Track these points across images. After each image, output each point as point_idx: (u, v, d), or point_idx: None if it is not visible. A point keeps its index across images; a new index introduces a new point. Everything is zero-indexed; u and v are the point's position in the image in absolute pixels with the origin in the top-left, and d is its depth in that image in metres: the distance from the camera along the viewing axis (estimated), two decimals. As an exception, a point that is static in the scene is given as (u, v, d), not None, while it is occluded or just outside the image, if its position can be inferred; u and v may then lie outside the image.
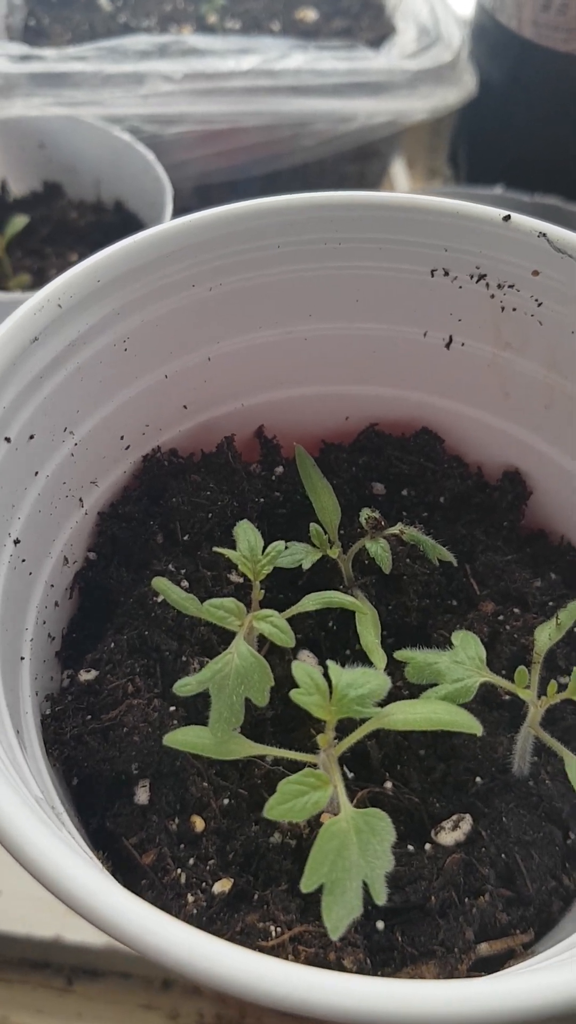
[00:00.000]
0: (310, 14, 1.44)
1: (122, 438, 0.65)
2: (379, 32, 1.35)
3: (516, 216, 0.60)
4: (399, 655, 0.56)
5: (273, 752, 0.52)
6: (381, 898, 0.44)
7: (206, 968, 0.36)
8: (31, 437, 0.56)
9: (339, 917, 0.44)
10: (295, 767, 0.54)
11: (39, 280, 1.10)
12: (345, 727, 0.52)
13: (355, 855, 0.45)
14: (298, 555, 0.61)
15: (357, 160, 1.33)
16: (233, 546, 0.59)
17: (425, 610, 0.66)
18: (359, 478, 0.72)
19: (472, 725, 0.51)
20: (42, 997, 0.85)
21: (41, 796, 0.49)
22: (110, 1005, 0.85)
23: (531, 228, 0.60)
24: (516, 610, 0.65)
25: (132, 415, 0.65)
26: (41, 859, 0.39)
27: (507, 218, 0.60)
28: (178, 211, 1.33)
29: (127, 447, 0.66)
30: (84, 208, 1.23)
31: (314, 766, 0.50)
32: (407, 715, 0.51)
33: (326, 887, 0.44)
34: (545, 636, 0.57)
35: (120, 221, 1.21)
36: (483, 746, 0.61)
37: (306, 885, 0.44)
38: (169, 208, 1.04)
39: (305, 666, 0.49)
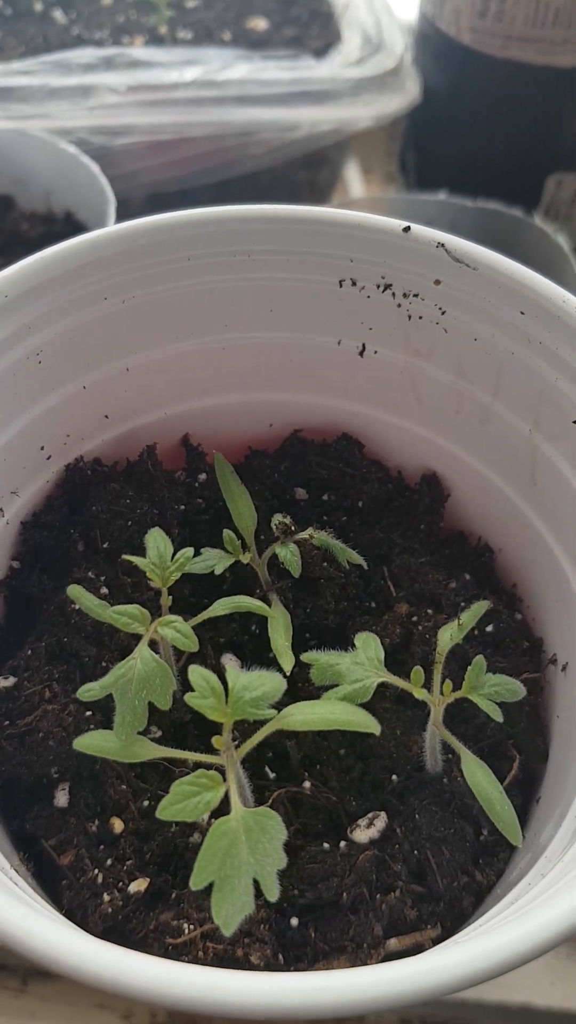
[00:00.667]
0: (260, 23, 1.45)
1: (42, 448, 0.67)
2: (327, 40, 1.37)
3: (416, 227, 0.62)
4: (305, 657, 0.57)
5: (176, 755, 0.54)
6: (273, 895, 0.46)
7: (100, 974, 0.37)
8: (-55, 449, 0.57)
9: (229, 914, 0.45)
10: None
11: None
12: (254, 730, 0.54)
13: (244, 853, 0.46)
14: (211, 561, 0.62)
15: (307, 167, 1.35)
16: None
17: (343, 612, 0.68)
18: (281, 484, 0.74)
19: (369, 724, 0.52)
20: (-3, 999, 0.87)
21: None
22: (64, 1005, 0.86)
23: (430, 239, 0.62)
24: (429, 611, 0.67)
25: (51, 425, 0.66)
26: None
27: (407, 229, 0.62)
28: (128, 220, 1.35)
29: (48, 457, 0.68)
30: (35, 219, 1.24)
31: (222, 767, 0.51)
32: (305, 715, 0.52)
33: (216, 884, 0.46)
34: (447, 636, 0.59)
35: (71, 231, 1.22)
36: (398, 745, 0.63)
37: (195, 882, 0.46)
38: (111, 219, 1.05)
39: (200, 669, 0.51)
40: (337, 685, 0.56)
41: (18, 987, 0.87)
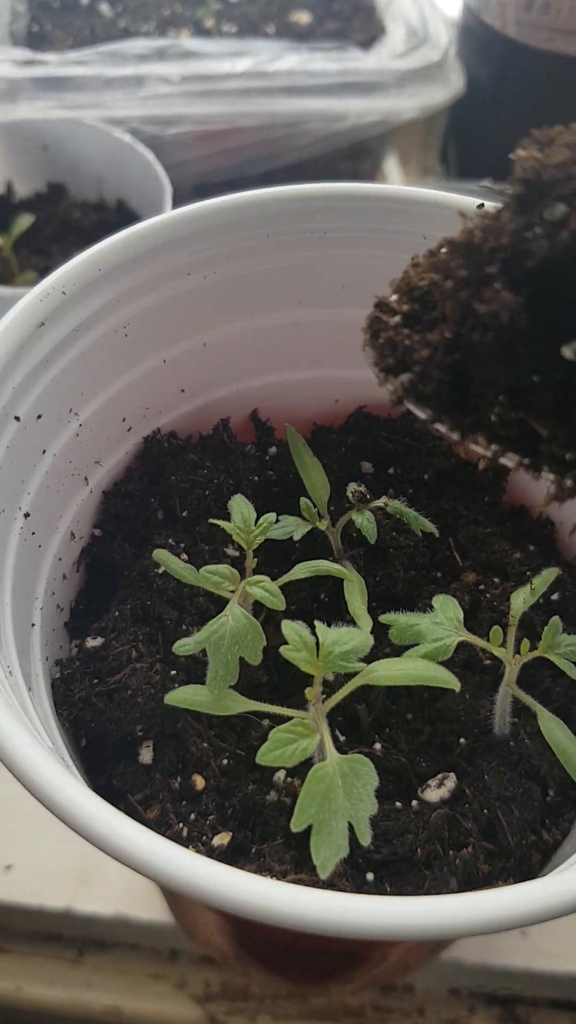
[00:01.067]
0: (303, 17, 1.48)
1: (124, 420, 0.69)
2: (370, 33, 1.39)
3: (490, 205, 0.64)
4: (384, 618, 0.60)
5: (265, 708, 0.56)
6: (366, 839, 0.48)
7: (217, 891, 0.39)
8: (39, 417, 0.60)
9: (327, 856, 0.47)
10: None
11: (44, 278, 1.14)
12: (334, 689, 0.56)
13: (340, 798, 0.49)
14: (289, 527, 0.65)
15: (350, 158, 1.37)
16: (229, 521, 0.63)
17: (411, 581, 0.70)
18: (348, 457, 0.76)
19: (450, 680, 0.54)
20: (54, 968, 0.89)
21: (52, 747, 0.53)
22: (119, 975, 0.89)
23: (505, 217, 0.64)
24: (496, 579, 0.69)
25: (133, 398, 0.69)
26: (59, 796, 0.42)
27: (481, 206, 0.64)
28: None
29: (129, 428, 0.70)
30: (87, 208, 1.27)
31: (305, 722, 0.54)
32: (390, 671, 0.55)
33: (314, 827, 0.48)
34: (520, 600, 0.61)
35: (122, 220, 1.25)
36: (466, 709, 0.65)
37: (296, 824, 0.48)
38: (168, 207, 1.08)
39: (294, 625, 0.53)
40: (416, 645, 0.58)
41: (74, 957, 0.89)
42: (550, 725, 0.57)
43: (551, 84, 1.23)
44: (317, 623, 0.55)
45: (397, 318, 0.44)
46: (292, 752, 0.51)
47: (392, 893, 0.58)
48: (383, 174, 1.53)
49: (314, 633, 0.55)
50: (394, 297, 0.45)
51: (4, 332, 0.57)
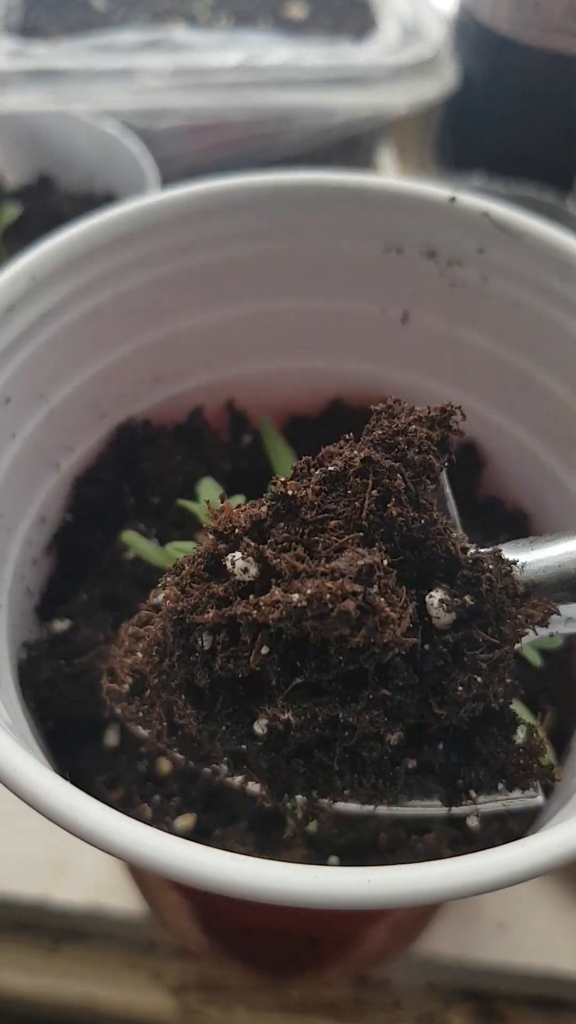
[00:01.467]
0: (298, 10, 1.48)
1: (97, 406, 0.70)
2: (364, 28, 1.39)
3: (461, 196, 0.64)
4: None
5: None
6: None
7: (174, 863, 0.38)
8: (7, 400, 0.60)
9: None
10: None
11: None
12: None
13: None
14: (257, 511, 0.65)
15: (343, 153, 1.37)
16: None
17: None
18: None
19: None
20: (30, 957, 0.89)
21: (11, 724, 0.53)
22: (95, 966, 0.89)
23: (475, 208, 0.64)
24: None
25: (106, 384, 0.69)
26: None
27: (452, 199, 0.64)
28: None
29: (102, 415, 0.70)
30: (77, 200, 1.27)
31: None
32: None
33: None
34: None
35: (111, 212, 1.25)
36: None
37: None
38: (155, 197, 1.08)
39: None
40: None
41: (50, 946, 0.90)
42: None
43: (543, 81, 1.23)
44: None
45: (126, 687, 0.46)
46: None
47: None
48: (378, 168, 1.54)
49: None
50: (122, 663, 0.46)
51: (-29, 316, 0.57)
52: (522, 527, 0.74)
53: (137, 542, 0.61)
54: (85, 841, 0.40)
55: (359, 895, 0.36)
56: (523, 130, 1.29)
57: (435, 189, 0.65)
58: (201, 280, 0.69)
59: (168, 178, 1.21)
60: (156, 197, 0.65)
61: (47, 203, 1.26)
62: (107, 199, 1.26)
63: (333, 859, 0.61)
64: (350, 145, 1.34)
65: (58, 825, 0.40)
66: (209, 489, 0.62)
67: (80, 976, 0.88)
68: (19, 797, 0.41)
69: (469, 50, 1.31)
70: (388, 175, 1.49)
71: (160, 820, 0.60)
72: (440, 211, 0.65)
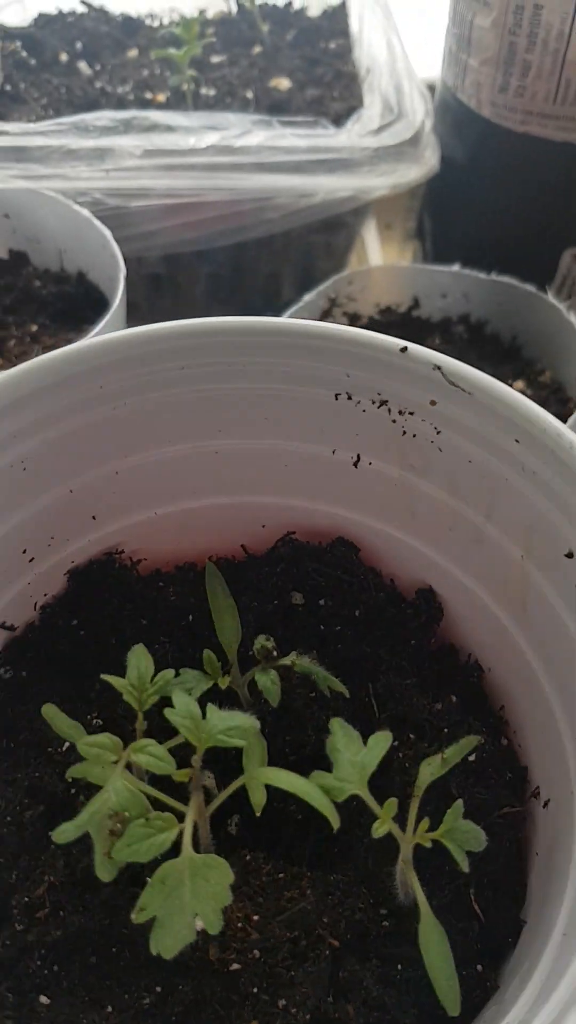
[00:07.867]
0: (284, 82, 1.45)
1: (24, 551, 0.66)
2: (348, 103, 1.37)
3: (412, 347, 0.61)
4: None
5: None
6: (215, 928, 0.46)
7: None
8: None
9: (170, 944, 0.46)
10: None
11: (-1, 349, 1.12)
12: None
13: (187, 895, 0.47)
14: (188, 683, 0.61)
15: (323, 231, 1.34)
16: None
17: (322, 742, 0.65)
18: (278, 586, 0.72)
19: (330, 812, 0.51)
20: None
21: None
22: None
23: (427, 360, 0.60)
24: (411, 736, 0.64)
25: (35, 529, 0.66)
26: None
27: (404, 349, 0.61)
28: (145, 278, 1.35)
29: (31, 559, 0.67)
30: (48, 277, 1.24)
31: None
32: (276, 775, 0.53)
33: (157, 920, 0.46)
34: (427, 772, 0.57)
35: (83, 291, 1.22)
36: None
37: (137, 918, 0.46)
38: (121, 286, 1.04)
39: (186, 696, 0.53)
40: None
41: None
42: (429, 934, 0.52)
43: (525, 166, 1.19)
44: (209, 705, 0.53)
45: None
46: (148, 847, 0.48)
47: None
48: (363, 242, 1.51)
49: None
50: None
51: None
52: (476, 682, 0.70)
53: (55, 717, 0.57)
54: None
55: None
56: (504, 214, 1.26)
57: (386, 339, 0.61)
58: (145, 420, 0.65)
59: (143, 253, 1.18)
60: (97, 340, 0.61)
61: (18, 279, 1.23)
62: (78, 277, 1.24)
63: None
64: (331, 224, 1.31)
65: None
66: (139, 659, 0.58)
67: None
68: None
69: (450, 129, 1.28)
70: (371, 251, 1.46)
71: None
72: (391, 361, 0.62)
